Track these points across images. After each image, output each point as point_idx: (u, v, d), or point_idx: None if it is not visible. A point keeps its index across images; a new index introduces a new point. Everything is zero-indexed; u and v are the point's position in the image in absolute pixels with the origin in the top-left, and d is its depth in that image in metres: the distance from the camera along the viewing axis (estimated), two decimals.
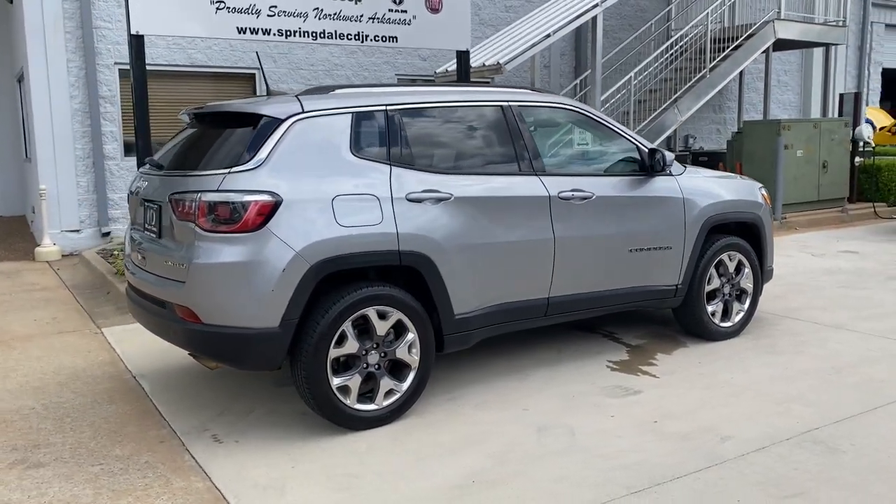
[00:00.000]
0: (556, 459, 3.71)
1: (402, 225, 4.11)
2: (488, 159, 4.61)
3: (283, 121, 4.00)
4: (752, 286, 5.77)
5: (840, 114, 13.50)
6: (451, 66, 11.62)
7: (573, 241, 4.75)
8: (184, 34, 6.80)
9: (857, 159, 12.96)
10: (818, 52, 17.32)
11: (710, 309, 5.55)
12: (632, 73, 12.01)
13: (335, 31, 7.37)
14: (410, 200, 4.18)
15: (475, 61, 10.93)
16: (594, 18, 11.25)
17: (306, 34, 7.25)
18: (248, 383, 4.90)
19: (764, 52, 13.37)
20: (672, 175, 5.28)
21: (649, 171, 5.17)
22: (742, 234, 5.76)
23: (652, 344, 5.58)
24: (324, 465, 3.71)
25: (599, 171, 5.10)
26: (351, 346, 4.02)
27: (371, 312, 4.05)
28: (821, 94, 15.98)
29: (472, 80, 11.68)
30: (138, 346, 5.83)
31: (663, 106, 12.21)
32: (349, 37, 7.45)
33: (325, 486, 3.50)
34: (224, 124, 4.26)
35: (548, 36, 10.80)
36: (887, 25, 20.84)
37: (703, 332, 5.57)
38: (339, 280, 4.02)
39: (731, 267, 5.64)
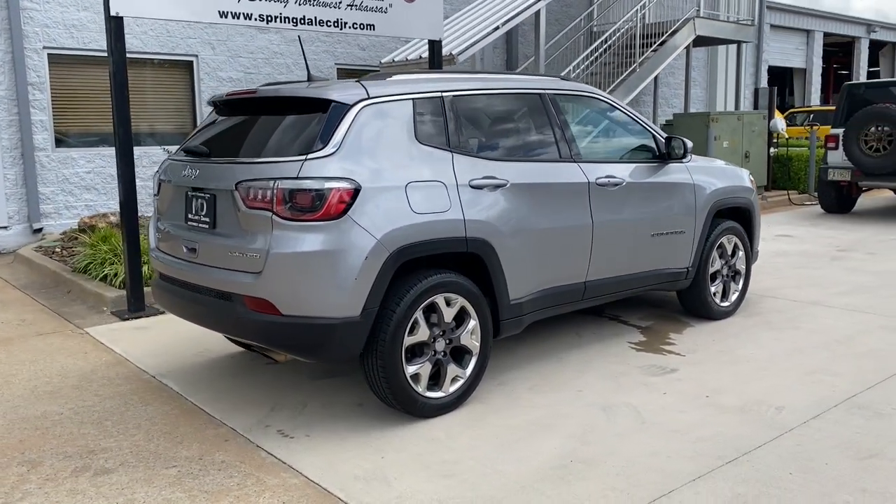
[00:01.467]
0: (637, 437, 3.83)
1: (468, 212, 4.11)
2: (534, 146, 4.67)
3: (351, 106, 3.91)
4: (744, 267, 6.12)
5: (755, 107, 14.39)
6: (398, 55, 11.60)
7: (607, 226, 4.89)
8: (165, 17, 6.44)
9: (772, 150, 13.86)
10: (722, 50, 18.38)
11: (712, 289, 5.84)
12: (570, 67, 12.35)
13: (315, 18, 7.20)
14: (473, 187, 4.19)
15: (417, 52, 10.95)
16: (538, 13, 11.50)
17: (287, 20, 7.04)
18: (283, 377, 4.77)
19: (686, 48, 14.06)
20: (683, 162, 5.52)
21: (665, 159, 5.38)
22: (736, 218, 6.08)
23: (659, 325, 5.82)
24: (413, 454, 3.68)
25: (626, 158, 5.27)
26: (423, 333, 3.99)
27: (440, 299, 4.04)
28: (734, 88, 16.96)
29: (417, 69, 11.66)
30: (138, 345, 5.54)
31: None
32: (328, 23, 7.29)
33: (427, 474, 3.47)
34: (283, 109, 4.11)
35: (496, 28, 10.95)
36: (772, 26, 22.36)
37: (706, 312, 5.85)
38: (410, 268, 3.98)
39: (729, 249, 5.96)
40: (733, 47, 16.10)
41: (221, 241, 3.95)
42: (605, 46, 12.91)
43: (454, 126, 4.27)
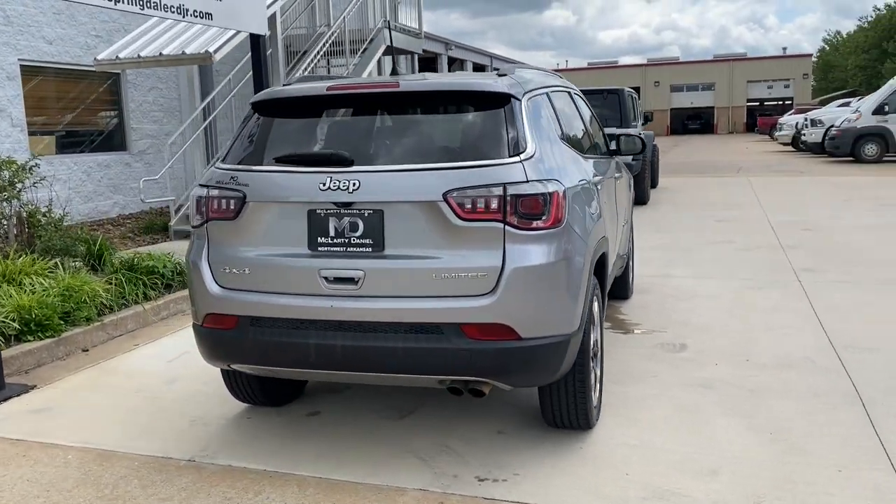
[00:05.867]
0: (767, 400, 4.19)
1: (602, 211, 4.01)
2: (589, 143, 4.69)
3: (520, 100, 3.50)
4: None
5: None
6: (112, 53, 9.92)
7: (612, 217, 5.12)
8: None
9: None
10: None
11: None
12: (306, 63, 11.94)
13: (159, 2, 5.96)
14: (595, 185, 4.08)
15: (144, 48, 9.60)
16: (274, 14, 10.89)
17: (133, 2, 5.70)
18: (339, 424, 4.02)
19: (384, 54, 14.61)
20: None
21: (614, 153, 5.78)
22: None
23: None
24: (656, 471, 3.49)
25: (604, 152, 5.53)
26: (594, 338, 3.80)
27: (596, 304, 3.88)
28: None
29: (163, 65, 10.30)
30: (95, 430, 4.07)
31: None
32: (171, 9, 6.07)
33: (692, 476, 3.36)
34: (434, 105, 3.49)
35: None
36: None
37: (628, 292, 6.45)
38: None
39: None
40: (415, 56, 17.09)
41: (407, 264, 3.21)
42: (323, 50, 12.71)
43: (559, 122, 4.09)
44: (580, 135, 4.52)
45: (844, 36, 70.83)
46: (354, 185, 3.23)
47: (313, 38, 13.72)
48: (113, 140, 12.17)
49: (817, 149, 25.13)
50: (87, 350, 5.54)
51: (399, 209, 3.22)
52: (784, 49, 73.97)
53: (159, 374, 5.00)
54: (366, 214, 3.26)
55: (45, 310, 5.39)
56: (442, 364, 3.23)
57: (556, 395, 3.60)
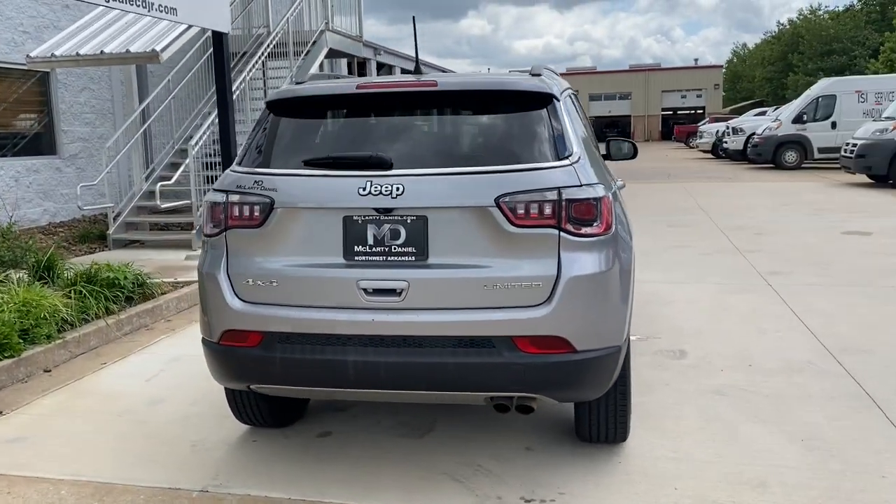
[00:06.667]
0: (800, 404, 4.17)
1: (628, 217, 3.90)
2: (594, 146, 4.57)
3: (560, 100, 3.34)
4: None
5: None
6: (47, 51, 9.29)
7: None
8: None
9: None
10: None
11: None
12: (251, 64, 11.51)
13: None
14: (619, 191, 3.97)
15: (86, 47, 9.04)
16: None
17: None
18: (349, 446, 3.78)
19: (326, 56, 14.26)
20: None
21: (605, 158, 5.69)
22: None
23: None
24: (704, 484, 3.36)
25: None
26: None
27: None
28: None
29: (105, 64, 9.78)
30: (79, 461, 3.69)
31: None
32: (135, 2, 5.69)
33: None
34: (468, 105, 3.29)
35: (189, 27, 9.60)
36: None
37: None
38: None
39: None
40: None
41: (454, 273, 3.00)
42: (267, 52, 12.28)
43: (583, 124, 3.95)
44: (592, 138, 4.41)
45: (751, 48, 74.14)
46: (398, 189, 3.01)
47: (251, 39, 13.29)
48: (41, 143, 11.40)
49: (738, 156, 26.06)
50: (50, 371, 5.08)
51: (445, 215, 3.01)
52: (696, 60, 76.87)
53: (139, 395, 4.61)
54: (408, 221, 3.04)
55: (3, 327, 4.91)
56: (493, 380, 3.03)
57: (595, 409, 3.46)
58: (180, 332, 5.95)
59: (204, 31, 9.53)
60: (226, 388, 3.74)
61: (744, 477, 3.35)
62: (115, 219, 10.29)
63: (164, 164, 11.22)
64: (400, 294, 3.01)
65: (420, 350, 3.02)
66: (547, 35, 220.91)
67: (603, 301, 3.08)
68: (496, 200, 2.97)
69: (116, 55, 8.78)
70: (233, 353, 3.21)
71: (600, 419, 3.49)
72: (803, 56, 52.51)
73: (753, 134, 24.19)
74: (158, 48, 8.81)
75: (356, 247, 3.07)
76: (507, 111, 3.28)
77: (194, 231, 9.75)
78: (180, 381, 4.83)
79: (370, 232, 3.06)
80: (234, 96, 10.61)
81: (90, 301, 5.73)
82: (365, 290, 3.03)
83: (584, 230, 3.03)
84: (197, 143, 9.92)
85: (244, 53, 12.91)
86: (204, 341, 3.37)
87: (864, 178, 17.39)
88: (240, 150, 3.45)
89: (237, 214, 3.19)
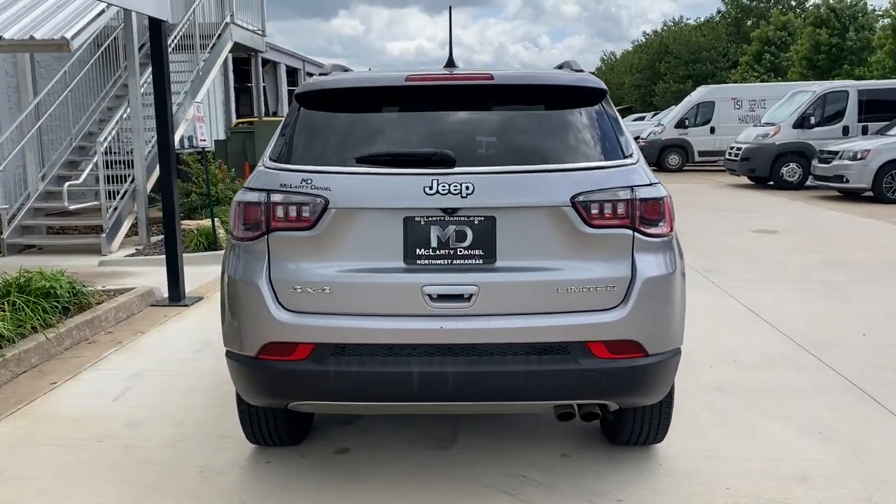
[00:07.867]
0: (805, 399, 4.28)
1: None
2: None
3: (608, 97, 3.26)
4: None
5: None
6: None
7: None
8: None
9: None
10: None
11: None
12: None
13: None
14: None
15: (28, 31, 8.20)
16: None
17: None
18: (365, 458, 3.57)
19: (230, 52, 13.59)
20: None
21: None
22: None
23: None
24: (750, 481, 3.36)
25: None
26: None
27: None
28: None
29: (5, 51, 8.96)
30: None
31: (178, 100, 11.31)
32: None
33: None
34: (522, 100, 3.15)
35: (102, 12, 8.87)
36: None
37: None
38: None
39: None
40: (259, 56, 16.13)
41: (525, 276, 2.84)
42: (174, 43, 11.54)
43: None
44: None
45: (618, 56, 77.42)
46: (468, 188, 2.82)
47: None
48: None
49: None
50: None
51: (514, 215, 2.86)
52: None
53: (112, 417, 4.15)
54: (475, 221, 2.86)
55: None
56: (566, 388, 2.91)
57: (641, 412, 3.40)
58: (130, 346, 5.42)
59: (103, 11, 8.80)
60: (240, 407, 3.42)
61: (783, 473, 3.39)
62: (9, 222, 9.37)
63: (62, 162, 10.34)
64: (469, 299, 2.83)
65: (490, 359, 2.85)
66: (419, 38, 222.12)
67: (671, 303, 3.02)
68: (572, 200, 2.85)
69: (18, 42, 7.95)
70: (275, 368, 2.91)
71: (644, 422, 3.44)
72: (671, 64, 55.32)
73: (638, 138, 25.22)
74: (69, 35, 8.06)
75: (418, 249, 2.86)
76: (564, 107, 3.15)
77: (104, 234, 9.03)
78: (151, 399, 4.38)
79: (434, 233, 2.86)
80: (141, 91, 9.95)
81: (26, 313, 5.13)
82: (430, 295, 2.83)
83: (652, 230, 2.96)
84: (105, 140, 9.19)
85: (143, 45, 12.11)
86: (232, 356, 3.05)
87: (745, 180, 18.51)
88: (271, 146, 3.15)
89: (282, 216, 2.89)
